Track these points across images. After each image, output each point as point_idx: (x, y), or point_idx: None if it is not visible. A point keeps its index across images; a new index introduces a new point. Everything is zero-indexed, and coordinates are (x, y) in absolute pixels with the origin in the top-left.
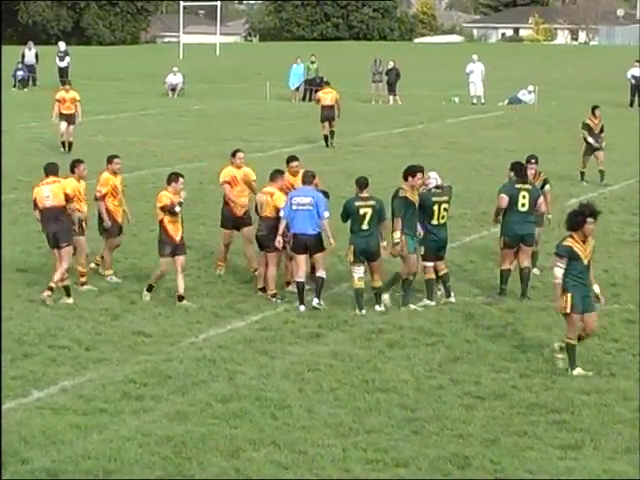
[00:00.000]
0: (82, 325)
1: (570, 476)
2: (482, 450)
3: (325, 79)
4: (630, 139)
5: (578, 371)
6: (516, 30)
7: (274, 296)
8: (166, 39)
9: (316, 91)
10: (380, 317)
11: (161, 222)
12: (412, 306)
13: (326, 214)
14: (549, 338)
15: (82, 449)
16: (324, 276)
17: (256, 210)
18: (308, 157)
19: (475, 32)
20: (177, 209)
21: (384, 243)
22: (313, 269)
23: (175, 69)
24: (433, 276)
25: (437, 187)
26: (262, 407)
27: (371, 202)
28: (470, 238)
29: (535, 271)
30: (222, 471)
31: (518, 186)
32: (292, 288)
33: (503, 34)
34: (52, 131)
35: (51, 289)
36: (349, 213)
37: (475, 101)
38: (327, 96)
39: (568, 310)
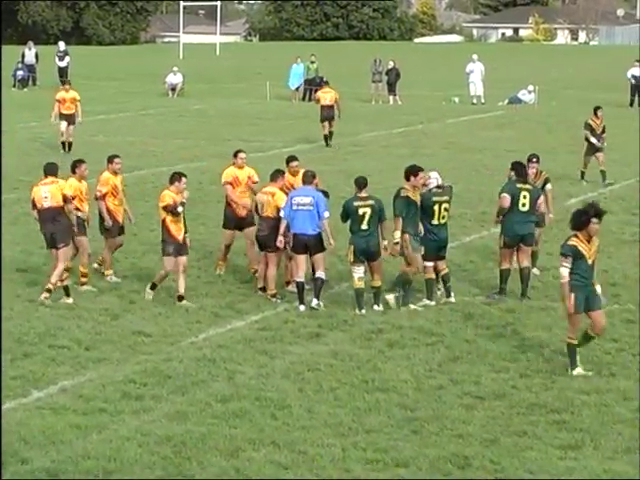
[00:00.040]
0: (82, 325)
1: (570, 476)
2: (482, 450)
3: (325, 79)
4: (630, 139)
5: (578, 371)
6: (516, 30)
7: (274, 296)
8: (166, 39)
9: (316, 91)
10: (380, 317)
11: (163, 222)
12: (412, 306)
13: (326, 214)
14: (549, 338)
15: (82, 449)
16: (324, 277)
17: (256, 210)
18: (308, 157)
19: (475, 32)
20: (179, 209)
21: (384, 243)
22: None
23: (175, 69)
24: (433, 276)
25: (438, 187)
26: (262, 407)
27: (370, 202)
28: (470, 238)
29: (535, 271)
30: (222, 471)
31: (519, 186)
32: (292, 288)
33: (503, 34)
34: (52, 131)
35: (49, 291)
36: (348, 213)
37: (475, 101)
38: (326, 96)
39: (571, 310)
